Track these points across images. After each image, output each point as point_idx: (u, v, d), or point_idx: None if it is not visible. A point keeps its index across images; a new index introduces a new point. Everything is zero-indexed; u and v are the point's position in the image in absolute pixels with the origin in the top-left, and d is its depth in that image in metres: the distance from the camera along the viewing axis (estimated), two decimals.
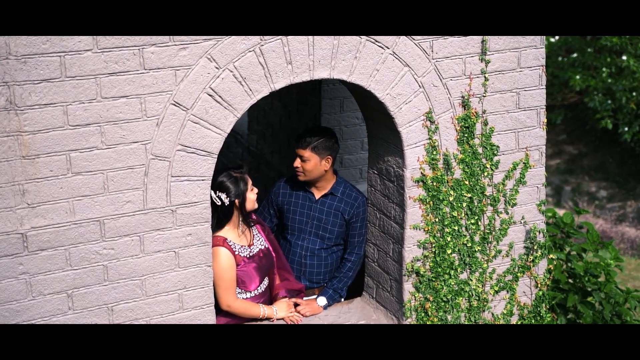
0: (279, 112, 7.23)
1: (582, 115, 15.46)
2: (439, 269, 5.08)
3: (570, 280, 6.16)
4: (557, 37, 14.88)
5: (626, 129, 13.91)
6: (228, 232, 4.92)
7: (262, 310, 5.03)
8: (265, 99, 7.33)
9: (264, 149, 7.66)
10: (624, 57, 13.84)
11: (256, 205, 5.00)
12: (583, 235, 6.29)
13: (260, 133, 7.71)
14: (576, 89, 14.18)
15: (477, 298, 5.23)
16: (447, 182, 4.98)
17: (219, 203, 4.82)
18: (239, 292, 5.00)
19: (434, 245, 5.04)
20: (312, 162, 5.22)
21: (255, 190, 4.99)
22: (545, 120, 5.21)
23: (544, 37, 5.06)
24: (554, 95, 15.30)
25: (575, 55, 14.62)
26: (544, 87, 5.13)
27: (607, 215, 13.56)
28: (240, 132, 8.20)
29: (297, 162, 5.26)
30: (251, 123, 7.93)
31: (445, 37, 4.78)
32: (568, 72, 14.31)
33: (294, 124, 6.95)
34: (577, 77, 14.03)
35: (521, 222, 5.27)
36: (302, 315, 5.19)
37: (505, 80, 5.01)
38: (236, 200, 4.87)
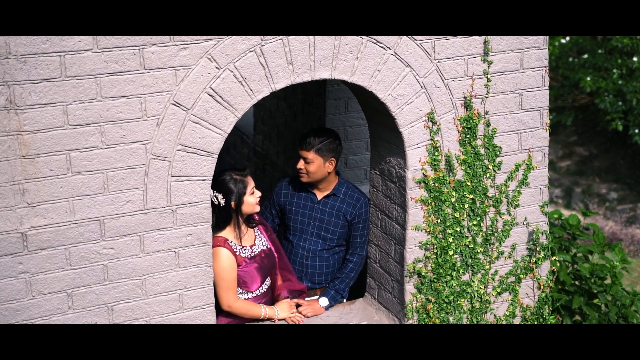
0: (285, 112, 7.23)
1: (593, 117, 15.39)
2: (441, 270, 5.06)
3: (576, 282, 6.14)
4: (567, 38, 14.82)
5: (637, 130, 13.83)
6: (229, 232, 4.92)
7: (264, 310, 5.02)
8: (271, 100, 7.38)
9: (269, 150, 7.66)
10: (635, 59, 13.77)
11: (256, 209, 4.97)
12: (590, 236, 6.27)
13: (266, 133, 7.71)
14: (587, 90, 14.12)
15: (479, 299, 5.21)
16: (449, 183, 4.97)
17: (216, 203, 4.82)
18: (240, 293, 4.99)
19: (435, 247, 5.02)
20: (315, 164, 5.21)
21: (258, 193, 4.95)
22: (549, 122, 5.18)
23: (547, 37, 5.03)
24: (565, 96, 15.24)
25: (585, 56, 14.56)
26: (547, 88, 5.11)
27: (617, 217, 13.49)
28: (247, 132, 8.21)
29: (301, 164, 5.25)
30: (257, 123, 7.93)
31: (448, 38, 4.77)
32: (579, 73, 14.25)
33: (299, 124, 6.95)
34: (588, 78, 13.97)
35: (524, 224, 5.24)
36: (303, 315, 5.18)
37: (508, 81, 4.99)
38: (232, 202, 4.86)
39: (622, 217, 13.50)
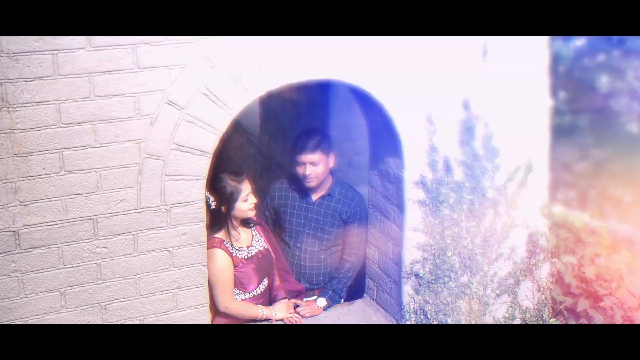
0: (290, 113, 7.21)
1: (608, 119, 15.26)
2: (439, 272, 5.02)
3: (582, 285, 6.07)
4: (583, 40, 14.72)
5: None
6: (225, 233, 4.89)
7: (261, 311, 4.99)
8: (276, 100, 7.36)
9: (275, 150, 7.64)
10: None
11: (249, 215, 4.91)
12: (597, 238, 6.21)
13: (272, 134, 7.69)
14: (602, 91, 14.00)
15: (478, 301, 5.16)
16: (447, 184, 4.92)
17: (209, 204, 4.78)
18: (237, 293, 4.97)
19: (433, 248, 4.98)
20: (323, 164, 5.17)
21: (252, 200, 4.88)
22: (549, 123, 5.13)
23: (548, 38, 4.98)
24: (580, 98, 15.12)
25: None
26: (548, 88, 5.05)
27: (633, 220, 13.36)
28: (253, 133, 8.20)
29: (308, 169, 5.15)
30: (263, 124, 7.92)
31: (447, 38, 4.72)
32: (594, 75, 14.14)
33: (304, 125, 6.91)
34: (604, 79, 13.85)
35: (523, 225, 5.19)
36: (301, 316, 5.15)
37: (508, 82, 4.93)
38: (222, 207, 4.82)
39: (637, 220, 13.37)
